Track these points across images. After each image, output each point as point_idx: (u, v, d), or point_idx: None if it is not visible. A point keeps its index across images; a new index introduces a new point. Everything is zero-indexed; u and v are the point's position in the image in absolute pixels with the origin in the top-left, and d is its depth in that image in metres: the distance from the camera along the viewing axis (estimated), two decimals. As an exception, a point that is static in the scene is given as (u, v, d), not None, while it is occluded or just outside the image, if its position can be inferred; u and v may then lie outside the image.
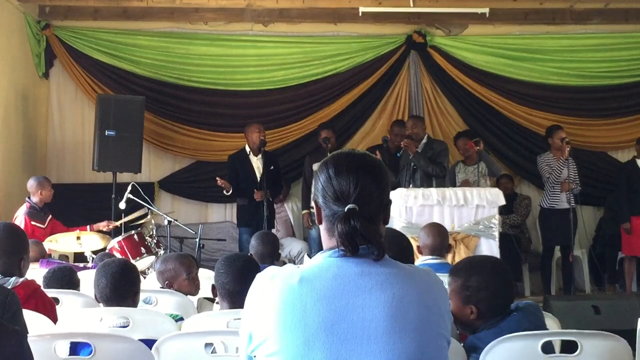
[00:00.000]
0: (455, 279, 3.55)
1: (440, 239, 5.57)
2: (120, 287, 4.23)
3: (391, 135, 10.18)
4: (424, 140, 9.61)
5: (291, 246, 10.41)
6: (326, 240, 2.40)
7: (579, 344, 3.43)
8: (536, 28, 11.46)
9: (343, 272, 2.28)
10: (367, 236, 2.28)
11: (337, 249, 2.31)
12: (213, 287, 4.26)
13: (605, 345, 3.49)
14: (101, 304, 4.29)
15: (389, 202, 2.43)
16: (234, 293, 4.04)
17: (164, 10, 10.88)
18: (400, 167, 9.59)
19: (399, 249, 4.24)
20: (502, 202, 8.42)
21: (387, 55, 11.26)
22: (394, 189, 8.37)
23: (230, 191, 9.73)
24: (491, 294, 3.46)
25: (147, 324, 4.14)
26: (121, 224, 9.15)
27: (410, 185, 9.11)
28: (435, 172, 9.29)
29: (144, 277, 6.49)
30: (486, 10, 10.69)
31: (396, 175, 9.42)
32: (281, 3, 10.53)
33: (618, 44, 11.47)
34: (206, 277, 5.60)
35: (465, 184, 9.83)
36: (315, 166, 9.54)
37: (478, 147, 9.69)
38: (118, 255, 7.74)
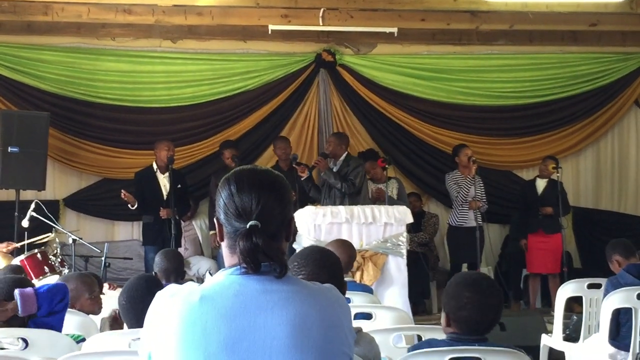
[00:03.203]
0: None
1: (345, 255, 5.39)
2: None
3: (276, 151, 10.29)
4: (342, 158, 9.64)
5: (199, 264, 10.30)
6: (228, 258, 2.36)
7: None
8: (443, 48, 11.60)
9: (245, 290, 2.24)
10: (269, 253, 2.24)
11: (238, 267, 2.27)
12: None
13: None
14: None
15: (292, 218, 2.41)
16: None
17: (70, 25, 10.60)
18: (320, 184, 9.67)
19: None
20: (410, 220, 8.50)
21: (296, 74, 11.25)
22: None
23: (136, 205, 9.64)
24: None
25: (46, 345, 4.05)
26: (22, 245, 8.91)
27: (327, 202, 9.12)
28: (344, 189, 9.31)
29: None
30: (394, 30, 10.75)
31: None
32: (190, 20, 10.38)
33: (522, 64, 11.70)
34: (109, 297, 5.51)
35: (380, 192, 9.87)
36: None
37: (385, 165, 9.75)
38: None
